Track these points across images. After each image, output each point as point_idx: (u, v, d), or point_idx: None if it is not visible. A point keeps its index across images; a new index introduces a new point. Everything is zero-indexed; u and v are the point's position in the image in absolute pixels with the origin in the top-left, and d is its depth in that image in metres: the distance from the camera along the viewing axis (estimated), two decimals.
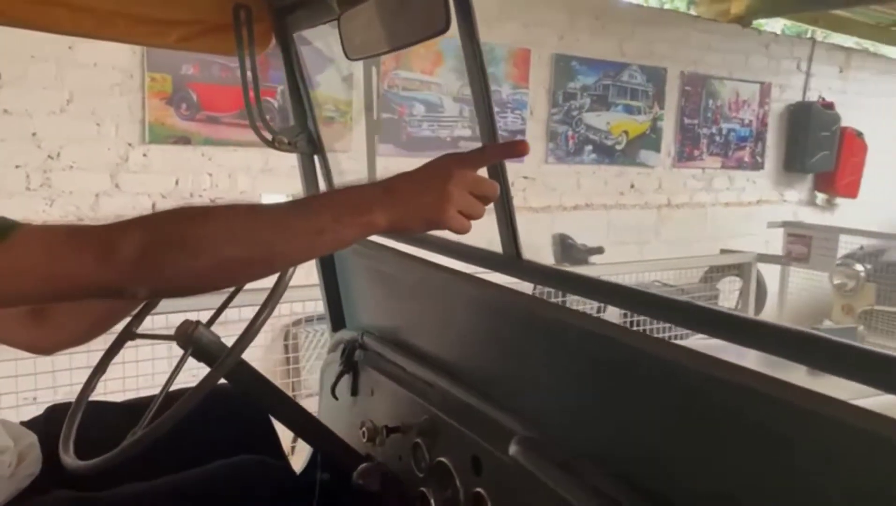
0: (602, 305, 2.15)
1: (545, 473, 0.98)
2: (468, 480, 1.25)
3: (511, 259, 1.15)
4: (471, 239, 1.06)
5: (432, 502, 1.35)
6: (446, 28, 1.02)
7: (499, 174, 1.09)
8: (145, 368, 2.35)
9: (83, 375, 1.43)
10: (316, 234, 0.88)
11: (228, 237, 0.85)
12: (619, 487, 0.92)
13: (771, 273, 5.24)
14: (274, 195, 4.16)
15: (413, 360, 1.48)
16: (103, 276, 0.82)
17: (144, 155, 3.62)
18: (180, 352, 1.28)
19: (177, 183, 3.73)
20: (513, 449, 1.05)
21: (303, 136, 1.74)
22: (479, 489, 1.22)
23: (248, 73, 1.66)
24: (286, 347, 3.76)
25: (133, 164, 3.58)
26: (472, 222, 0.93)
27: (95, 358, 1.41)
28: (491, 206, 1.00)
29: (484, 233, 1.07)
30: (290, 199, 0.99)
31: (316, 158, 1.77)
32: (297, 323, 3.76)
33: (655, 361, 0.92)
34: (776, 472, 0.77)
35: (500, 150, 1.06)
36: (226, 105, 3.77)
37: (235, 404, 1.59)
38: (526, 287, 1.83)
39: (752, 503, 0.80)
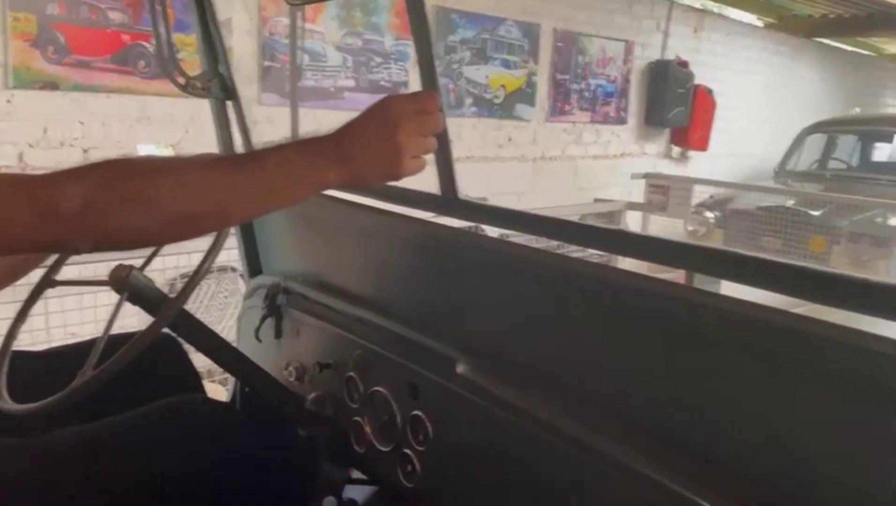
0: None
1: (490, 384, 1.10)
2: (405, 404, 1.34)
3: (449, 199, 1.24)
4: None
5: (367, 429, 1.44)
6: None
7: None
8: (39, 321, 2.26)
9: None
10: (268, 192, 0.88)
11: (178, 193, 0.83)
12: (564, 401, 1.05)
13: (633, 220, 5.65)
14: (150, 146, 3.99)
15: (342, 299, 1.54)
16: (43, 231, 0.79)
17: (8, 101, 3.36)
18: (92, 301, 1.28)
19: (45, 131, 3.50)
20: (460, 368, 1.16)
21: (216, 81, 1.72)
22: (417, 412, 1.31)
23: (159, 14, 1.62)
24: None
25: None
26: None
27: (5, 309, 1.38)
28: None
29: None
30: (170, 150, 0.98)
31: (230, 104, 1.76)
32: (183, 277, 3.68)
33: (584, 280, 1.05)
34: (698, 369, 0.92)
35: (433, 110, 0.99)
36: (97, 48, 3.55)
37: (159, 351, 1.60)
38: None
39: (687, 402, 0.94)
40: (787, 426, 0.82)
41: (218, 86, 1.72)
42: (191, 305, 3.65)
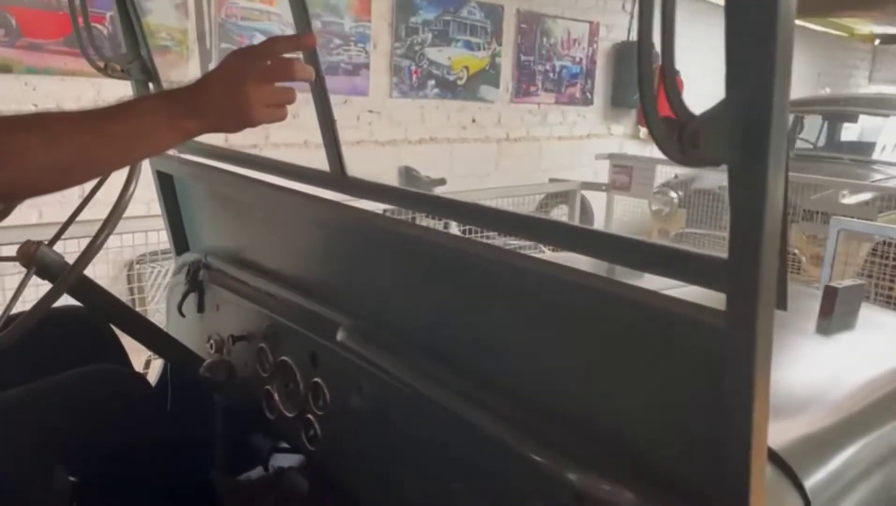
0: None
1: (368, 351, 1.17)
2: (307, 373, 1.41)
3: (337, 176, 1.30)
4: None
5: (276, 396, 1.50)
6: None
7: (321, 91, 1.23)
8: None
9: None
10: (133, 140, 0.92)
11: (46, 145, 0.86)
12: (430, 359, 1.12)
13: (601, 200, 5.72)
14: None
15: (255, 274, 1.61)
16: None
17: None
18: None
19: None
20: (340, 335, 1.23)
21: (136, 63, 1.76)
22: (316, 379, 1.38)
23: None
24: (129, 279, 3.73)
25: None
26: None
27: None
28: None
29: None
30: None
31: (151, 86, 1.81)
32: (140, 260, 3.72)
33: (456, 254, 1.12)
34: (541, 333, 0.99)
35: (286, 41, 1.04)
36: (49, 31, 3.57)
37: (85, 327, 1.65)
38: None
39: (534, 363, 1.01)
40: (612, 380, 0.90)
41: (138, 68, 1.77)
42: (147, 283, 3.71)
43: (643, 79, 0.62)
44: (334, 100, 1.29)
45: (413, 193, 1.24)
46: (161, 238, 3.20)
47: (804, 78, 9.57)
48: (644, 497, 0.80)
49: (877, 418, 1.24)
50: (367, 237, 1.30)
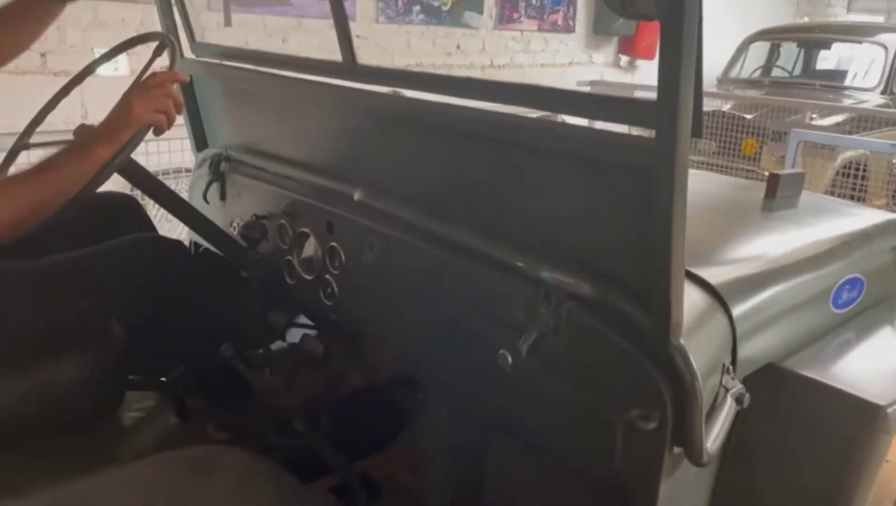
0: None
1: (381, 204, 1.42)
2: (324, 239, 1.66)
3: (349, 65, 1.52)
4: None
5: (296, 263, 1.75)
6: None
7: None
8: None
9: None
10: (70, 183, 1.31)
11: (11, 207, 1.25)
12: (428, 210, 1.37)
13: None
14: (105, 49, 4.15)
15: (273, 161, 1.83)
16: None
17: None
18: None
19: None
20: (357, 196, 1.47)
21: None
22: (333, 243, 1.63)
23: None
24: None
25: None
26: None
27: None
28: None
29: None
30: None
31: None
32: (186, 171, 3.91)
33: (445, 119, 1.33)
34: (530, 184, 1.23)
35: (166, 75, 1.44)
36: None
37: (122, 209, 1.89)
38: None
39: (514, 201, 1.25)
40: (572, 201, 1.15)
41: None
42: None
43: None
44: (321, 24, 1.51)
45: (418, 74, 1.45)
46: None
47: (782, 7, 9.69)
48: (596, 287, 1.06)
49: (801, 270, 1.49)
50: (371, 115, 1.53)
